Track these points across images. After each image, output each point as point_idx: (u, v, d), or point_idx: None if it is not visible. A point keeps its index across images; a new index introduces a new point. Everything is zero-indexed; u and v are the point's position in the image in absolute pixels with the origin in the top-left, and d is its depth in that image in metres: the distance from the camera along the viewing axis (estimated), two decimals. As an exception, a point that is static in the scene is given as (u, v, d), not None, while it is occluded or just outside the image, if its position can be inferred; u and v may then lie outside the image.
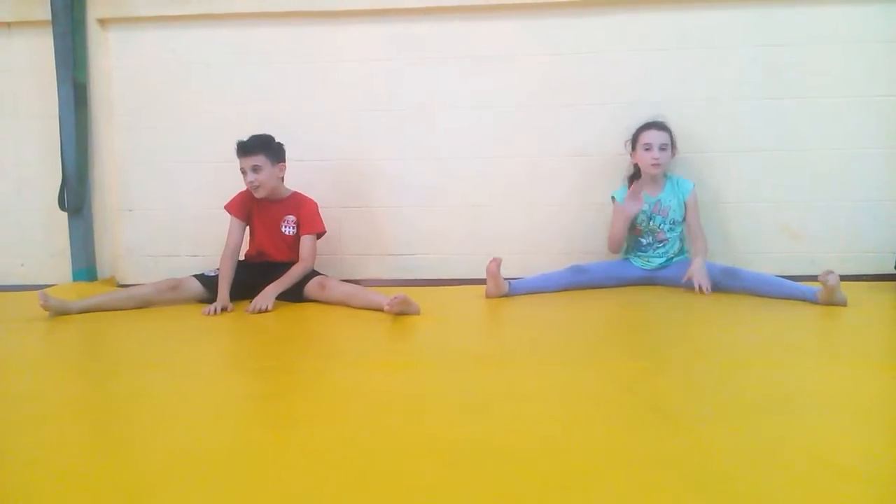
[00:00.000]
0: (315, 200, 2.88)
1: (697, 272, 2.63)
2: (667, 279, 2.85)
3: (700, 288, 2.58)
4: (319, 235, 2.85)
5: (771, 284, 2.57)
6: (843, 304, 2.38)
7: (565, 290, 2.82)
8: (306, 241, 2.78)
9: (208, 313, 2.46)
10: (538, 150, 3.15)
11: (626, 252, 2.99)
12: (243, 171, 2.72)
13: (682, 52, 3.06)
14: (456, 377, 1.61)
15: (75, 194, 3.16)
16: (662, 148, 2.80)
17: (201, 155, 3.22)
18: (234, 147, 2.71)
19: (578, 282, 2.82)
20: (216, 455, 1.15)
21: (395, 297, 2.30)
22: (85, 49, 3.17)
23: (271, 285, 2.61)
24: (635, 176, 2.90)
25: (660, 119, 2.87)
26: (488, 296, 2.71)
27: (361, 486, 1.01)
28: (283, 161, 2.80)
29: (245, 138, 2.72)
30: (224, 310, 2.52)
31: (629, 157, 2.94)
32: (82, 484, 1.04)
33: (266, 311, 2.49)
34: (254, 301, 2.53)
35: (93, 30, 3.19)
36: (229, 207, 2.82)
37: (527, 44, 3.11)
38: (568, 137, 3.13)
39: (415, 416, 1.33)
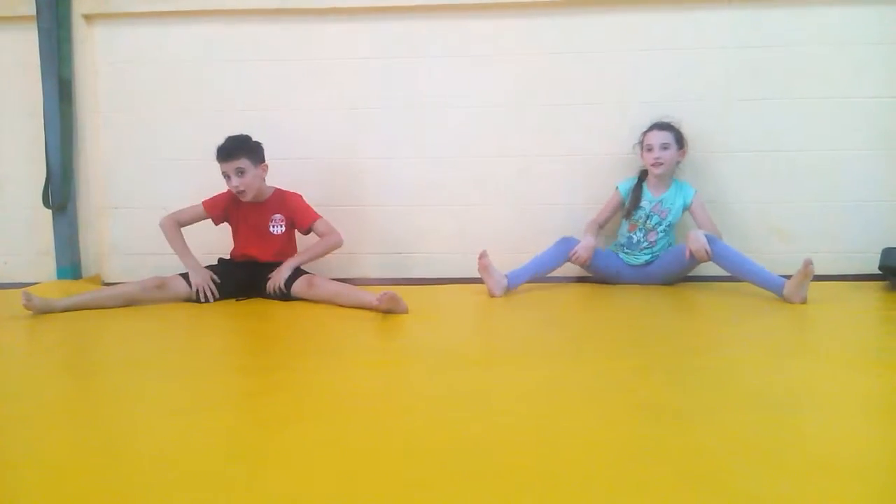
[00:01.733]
0: (297, 193, 2.83)
1: (696, 241, 2.65)
2: (651, 275, 2.90)
3: (705, 251, 2.61)
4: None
5: (740, 266, 2.60)
6: (802, 301, 2.42)
7: (560, 265, 2.85)
8: (319, 225, 2.75)
9: (204, 299, 2.50)
10: (528, 149, 3.15)
11: (613, 248, 3.04)
12: (226, 176, 2.66)
13: (671, 53, 3.07)
14: (445, 375, 1.60)
15: (60, 191, 3.12)
16: (663, 147, 2.85)
17: (187, 152, 3.19)
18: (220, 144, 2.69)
19: (569, 251, 2.83)
20: (204, 453, 1.14)
21: (385, 294, 2.29)
22: (70, 45, 3.14)
23: (290, 259, 2.64)
24: (644, 173, 2.96)
25: (665, 119, 2.91)
26: (493, 295, 2.69)
27: (351, 483, 1.01)
28: (265, 161, 2.75)
29: (223, 141, 2.65)
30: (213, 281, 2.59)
31: (639, 158, 2.97)
32: (69, 483, 1.03)
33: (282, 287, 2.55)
34: (272, 278, 2.59)
35: (78, 25, 3.15)
36: (206, 204, 2.77)
37: (516, 43, 3.11)
38: (558, 137, 3.14)
39: (405, 415, 1.33)
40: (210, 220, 2.82)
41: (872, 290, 2.74)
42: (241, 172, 2.63)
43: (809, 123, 3.04)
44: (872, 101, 3.01)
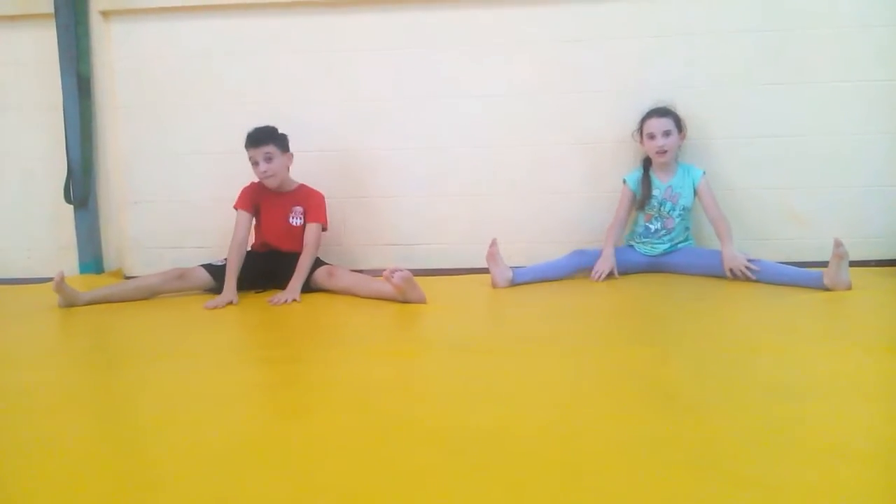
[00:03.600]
0: (322, 193, 2.88)
1: (733, 261, 2.62)
2: (671, 265, 2.86)
3: (743, 273, 2.58)
4: (323, 229, 2.84)
5: (777, 274, 2.56)
6: (848, 286, 2.37)
7: (570, 276, 2.82)
8: (312, 228, 2.77)
9: (213, 307, 2.43)
10: (542, 138, 3.14)
11: (629, 239, 3.00)
12: (254, 162, 2.72)
13: (685, 38, 3.03)
14: (463, 365, 1.61)
15: (81, 187, 3.17)
16: (666, 134, 2.80)
17: (205, 146, 3.22)
18: (237, 138, 2.72)
19: (581, 264, 2.82)
20: (225, 444, 1.16)
21: (395, 270, 2.32)
22: (88, 41, 3.17)
23: (292, 280, 2.60)
24: (648, 161, 2.91)
25: (662, 104, 2.87)
26: (495, 285, 2.70)
27: (369, 473, 1.02)
28: (290, 151, 2.81)
29: (252, 130, 2.73)
30: (230, 303, 2.51)
31: (638, 146, 2.94)
32: (92, 474, 1.05)
33: (295, 301, 2.51)
34: (280, 295, 2.53)
35: (95, 22, 3.18)
36: (237, 205, 2.81)
37: (528, 31, 3.10)
38: (572, 125, 3.12)
39: (423, 404, 1.34)
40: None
41: (893, 276, 2.70)
42: (269, 158, 2.70)
43: (827, 108, 2.99)
44: (891, 83, 2.96)
